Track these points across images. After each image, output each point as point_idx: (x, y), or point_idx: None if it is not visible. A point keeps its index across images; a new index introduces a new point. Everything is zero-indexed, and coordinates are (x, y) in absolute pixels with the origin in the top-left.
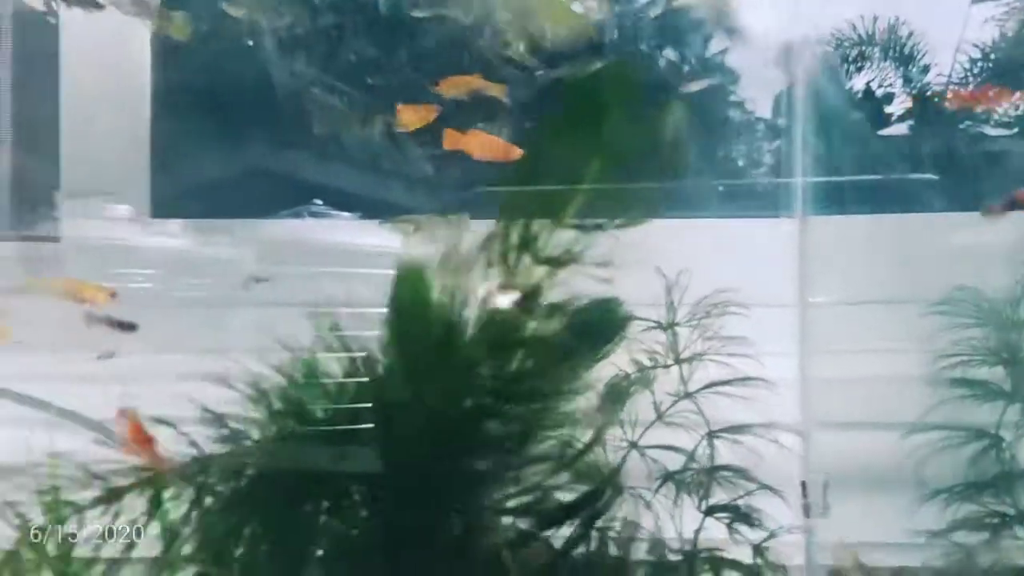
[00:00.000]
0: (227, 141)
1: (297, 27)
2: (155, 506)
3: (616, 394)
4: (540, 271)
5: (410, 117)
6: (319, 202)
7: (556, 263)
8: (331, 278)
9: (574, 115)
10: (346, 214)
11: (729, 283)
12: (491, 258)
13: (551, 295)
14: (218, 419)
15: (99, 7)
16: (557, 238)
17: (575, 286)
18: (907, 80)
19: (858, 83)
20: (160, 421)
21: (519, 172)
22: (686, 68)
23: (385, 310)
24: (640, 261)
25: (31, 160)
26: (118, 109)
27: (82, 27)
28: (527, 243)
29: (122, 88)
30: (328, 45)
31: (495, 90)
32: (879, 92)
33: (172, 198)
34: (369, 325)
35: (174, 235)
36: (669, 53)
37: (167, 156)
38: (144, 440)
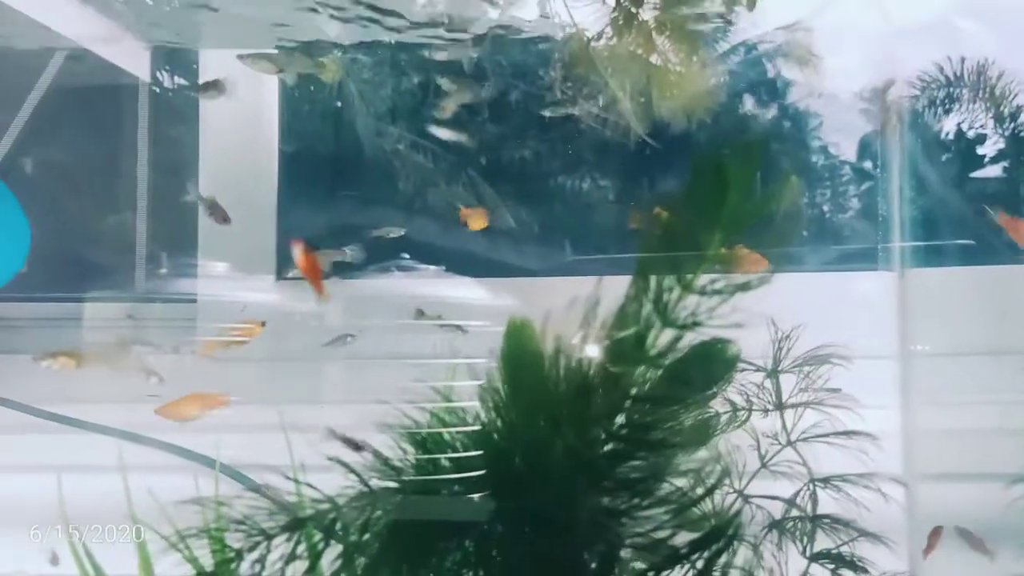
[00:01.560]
0: (329, 202)
1: (383, 87)
2: (311, 546)
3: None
4: (668, 334)
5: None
6: (407, 256)
7: (683, 326)
8: (418, 331)
9: (700, 191)
10: (432, 267)
11: (832, 336)
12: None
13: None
14: (383, 461)
15: (223, 91)
16: (684, 301)
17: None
18: (999, 121)
19: (948, 125)
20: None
21: (647, 242)
22: (769, 115)
23: (483, 360)
24: (747, 317)
25: (169, 229)
26: (250, 179)
27: (219, 105)
28: (659, 307)
29: (252, 157)
30: (413, 104)
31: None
32: (970, 134)
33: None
34: (464, 376)
35: (282, 290)
36: (749, 100)
37: (288, 220)
38: (314, 268)
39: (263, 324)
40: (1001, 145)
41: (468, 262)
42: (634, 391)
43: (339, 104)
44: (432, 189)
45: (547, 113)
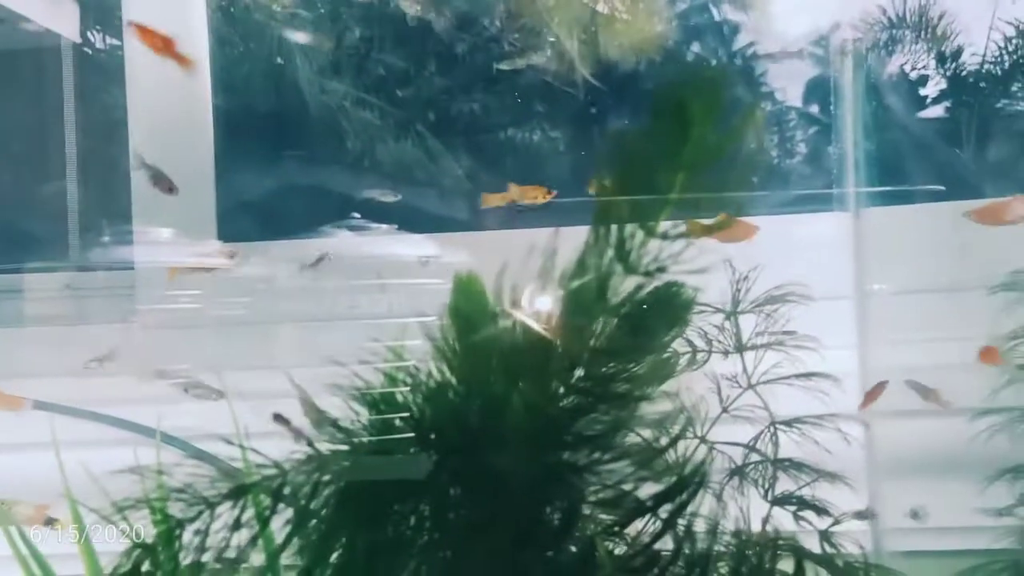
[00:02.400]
0: (272, 161)
1: (326, 43)
2: (259, 512)
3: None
4: (632, 281)
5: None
6: (357, 216)
7: (648, 273)
8: (372, 291)
9: (660, 128)
10: (384, 226)
11: (790, 277)
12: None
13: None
14: (331, 423)
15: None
16: (646, 247)
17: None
18: (941, 61)
19: (891, 67)
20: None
21: (605, 186)
22: (713, 61)
23: (434, 319)
24: (705, 260)
25: (101, 193)
26: (184, 137)
27: (145, 60)
28: (621, 254)
29: (186, 116)
30: (357, 60)
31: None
32: (913, 75)
33: (236, 221)
34: (416, 335)
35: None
36: (696, 47)
37: (227, 181)
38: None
39: (233, 255)
40: (943, 85)
41: (421, 219)
42: (591, 342)
43: (280, 60)
44: (380, 146)
45: (503, 67)
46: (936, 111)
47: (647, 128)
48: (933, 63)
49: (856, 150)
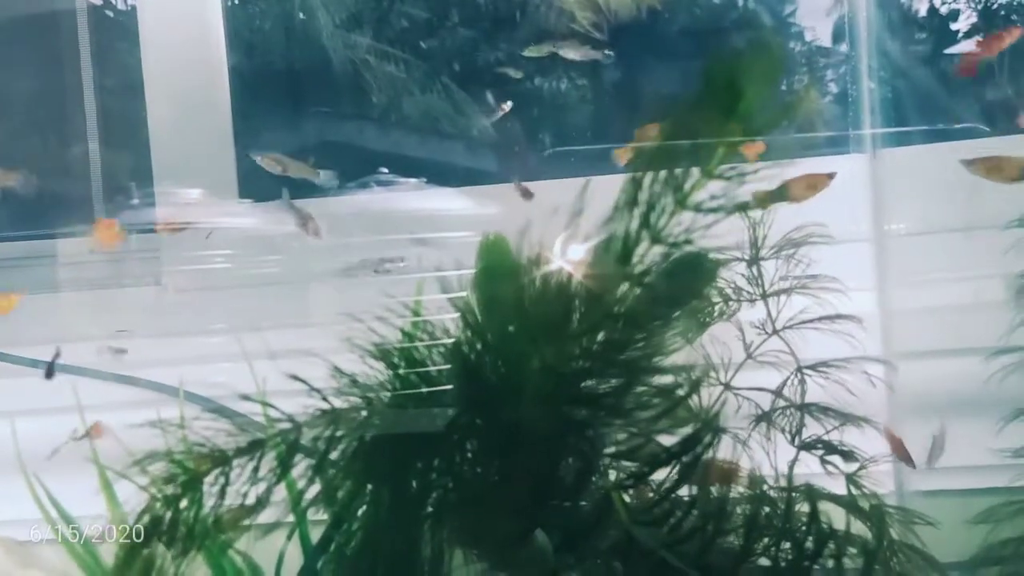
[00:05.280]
0: (294, 119)
1: None
2: (280, 463)
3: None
4: (684, 217)
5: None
6: (385, 170)
7: (675, 244)
8: (402, 245)
9: (713, 96)
10: (412, 180)
11: (808, 220)
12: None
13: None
14: (347, 378)
15: None
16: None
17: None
18: None
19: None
20: (296, 378)
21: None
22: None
23: (467, 273)
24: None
25: (121, 154)
26: (201, 97)
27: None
28: (674, 188)
29: (203, 75)
30: (379, 12)
31: None
32: (943, 9)
33: (256, 179)
34: (451, 288)
35: (252, 215)
36: None
37: (248, 138)
38: None
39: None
40: (974, 19)
41: (449, 172)
42: (615, 309)
43: (302, 15)
44: (407, 99)
45: (530, 53)
46: (967, 46)
47: (695, 99)
48: None
49: (875, 90)
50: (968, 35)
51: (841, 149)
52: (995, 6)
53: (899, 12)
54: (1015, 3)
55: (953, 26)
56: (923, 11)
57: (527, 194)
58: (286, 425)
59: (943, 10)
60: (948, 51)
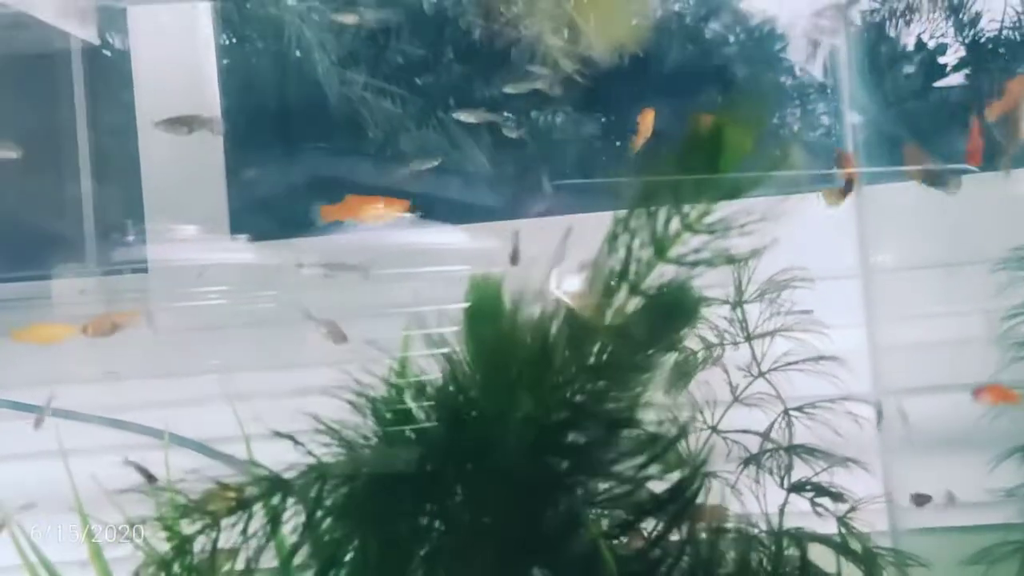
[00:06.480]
0: (289, 155)
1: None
2: (271, 518)
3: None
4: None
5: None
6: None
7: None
8: (400, 280)
9: (694, 150)
10: (409, 215)
11: (792, 259)
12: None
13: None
14: (330, 430)
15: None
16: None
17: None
18: (959, 29)
19: (909, 37)
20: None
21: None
22: (731, 38)
23: (459, 309)
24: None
25: (114, 192)
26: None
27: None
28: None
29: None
30: (375, 49)
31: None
32: (931, 44)
33: (248, 215)
34: (443, 323)
35: (244, 251)
36: (713, 27)
37: (240, 175)
38: None
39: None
40: (962, 53)
41: (446, 208)
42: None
43: (298, 53)
44: (403, 135)
45: (510, 90)
46: (956, 79)
47: (681, 148)
48: (951, 31)
49: (858, 124)
50: (957, 68)
51: (826, 186)
52: (982, 40)
53: (887, 48)
54: (1002, 36)
55: (941, 59)
56: (910, 45)
57: (515, 258)
58: (272, 480)
59: (931, 44)
60: (936, 84)
